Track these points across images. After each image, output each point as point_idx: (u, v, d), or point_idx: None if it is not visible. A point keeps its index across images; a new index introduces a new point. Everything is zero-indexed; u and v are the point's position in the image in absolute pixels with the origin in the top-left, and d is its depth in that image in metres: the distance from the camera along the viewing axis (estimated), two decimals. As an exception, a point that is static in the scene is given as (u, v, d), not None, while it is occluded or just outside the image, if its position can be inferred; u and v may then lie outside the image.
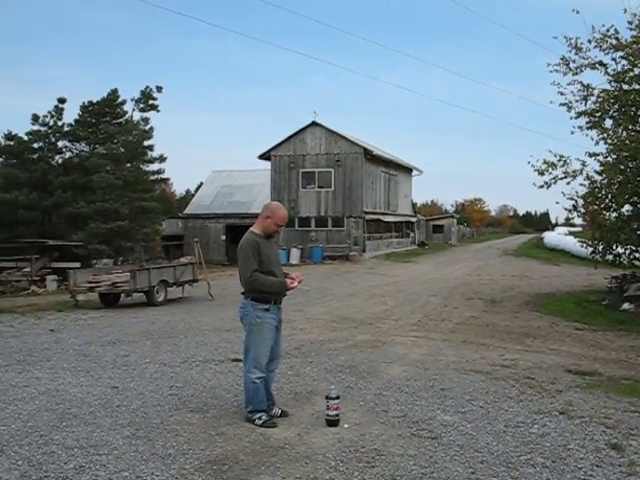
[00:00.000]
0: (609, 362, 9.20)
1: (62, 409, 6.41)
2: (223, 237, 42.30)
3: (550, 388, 7.29)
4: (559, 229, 68.63)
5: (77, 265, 24.78)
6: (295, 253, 37.02)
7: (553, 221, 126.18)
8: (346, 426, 5.78)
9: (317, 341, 10.64)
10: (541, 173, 16.64)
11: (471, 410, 6.34)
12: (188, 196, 66.52)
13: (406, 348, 10.08)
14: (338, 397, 5.82)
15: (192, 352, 9.72)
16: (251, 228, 6.13)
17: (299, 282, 6.10)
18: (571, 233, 50.71)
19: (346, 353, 9.58)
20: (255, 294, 5.95)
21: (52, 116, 33.41)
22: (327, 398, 5.82)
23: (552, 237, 52.97)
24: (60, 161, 34.22)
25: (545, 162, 16.49)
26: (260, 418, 5.83)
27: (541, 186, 16.97)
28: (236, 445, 5.30)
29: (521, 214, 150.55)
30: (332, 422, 5.78)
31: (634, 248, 16.21)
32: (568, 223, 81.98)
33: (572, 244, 37.72)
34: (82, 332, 12.18)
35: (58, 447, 5.24)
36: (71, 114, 34.66)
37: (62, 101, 33.57)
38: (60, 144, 34.22)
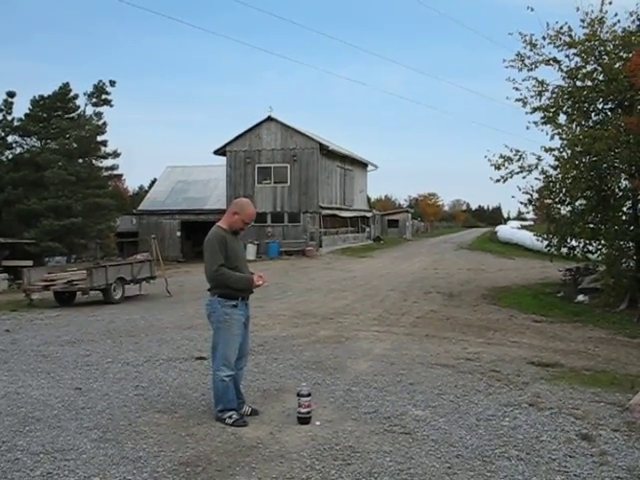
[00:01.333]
0: (569, 353, 9.36)
1: (24, 413, 6.20)
2: (178, 233, 41.86)
3: (516, 380, 7.37)
4: (512, 223, 69.73)
5: (29, 263, 24.23)
6: (251, 249, 36.77)
7: (505, 215, 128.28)
8: (318, 423, 5.73)
9: (280, 337, 10.58)
10: (497, 167, 16.86)
11: (442, 404, 6.36)
12: (142, 192, 65.59)
13: (370, 343, 10.09)
14: (309, 394, 5.77)
15: (155, 350, 9.55)
16: (218, 223, 6.02)
17: (263, 282, 6.02)
18: (523, 227, 51.70)
19: (310, 349, 9.54)
20: (222, 290, 5.84)
21: (1, 110, 32.59)
22: (298, 395, 5.76)
23: (505, 231, 53.74)
24: (10, 157, 33.38)
25: (502, 157, 16.70)
26: (231, 417, 5.74)
27: (497, 180, 17.23)
28: (208, 445, 5.20)
29: (474, 208, 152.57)
30: (304, 420, 5.73)
31: (587, 241, 16.50)
32: (520, 217, 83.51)
33: (526, 238, 38.44)
34: (39, 332, 11.86)
35: (23, 453, 5.06)
36: (21, 108, 33.98)
37: (11, 95, 32.77)
38: (10, 139, 33.42)
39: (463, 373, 7.80)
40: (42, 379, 7.73)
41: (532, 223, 56.36)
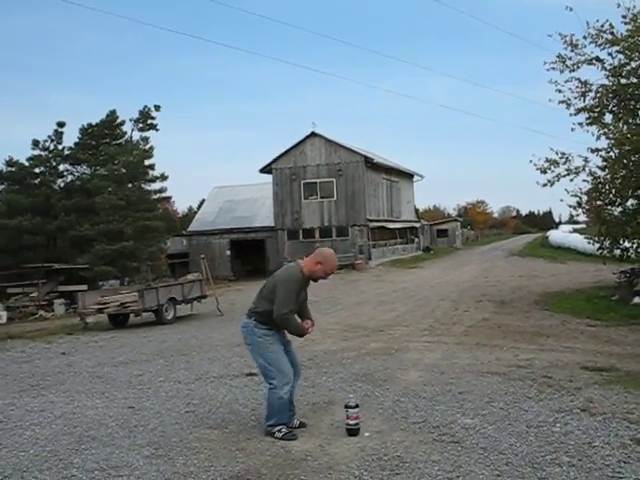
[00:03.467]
0: (625, 357, 9.13)
1: (80, 432, 6.37)
2: (228, 252, 42.32)
3: (569, 386, 7.23)
4: (563, 227, 68.55)
5: (84, 288, 24.79)
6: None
7: (556, 219, 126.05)
8: (367, 435, 5.73)
9: (330, 351, 10.59)
10: (543, 171, 16.61)
11: (491, 412, 6.29)
12: (191, 213, 66.60)
13: (420, 353, 10.04)
14: (357, 406, 5.78)
15: (206, 368, 9.69)
16: (301, 264, 6.06)
17: (311, 330, 6.15)
18: (575, 230, 50.68)
19: (360, 361, 9.53)
20: (261, 318, 5.95)
21: (52, 140, 33.61)
22: (346, 407, 5.77)
23: (557, 235, 52.85)
24: (62, 185, 34.41)
25: (547, 160, 16.46)
26: (280, 431, 5.78)
27: (544, 184, 16.93)
28: (257, 459, 5.25)
29: (524, 214, 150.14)
30: (352, 431, 5.73)
31: (641, 242, 16.15)
32: (572, 220, 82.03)
33: (578, 241, 37.71)
34: (94, 354, 12.16)
35: (78, 470, 5.20)
36: (71, 137, 34.87)
37: (61, 125, 33.75)
38: (61, 168, 34.44)
39: (514, 380, 7.69)
40: (97, 399, 7.92)
41: (584, 226, 55.29)
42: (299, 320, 6.06)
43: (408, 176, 50.25)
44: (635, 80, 15.59)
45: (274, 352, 5.90)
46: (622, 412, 6.07)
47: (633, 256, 16.65)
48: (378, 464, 4.97)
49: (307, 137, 39.96)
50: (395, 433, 5.76)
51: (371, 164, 39.95)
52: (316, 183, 39.76)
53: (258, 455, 5.36)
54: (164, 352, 11.72)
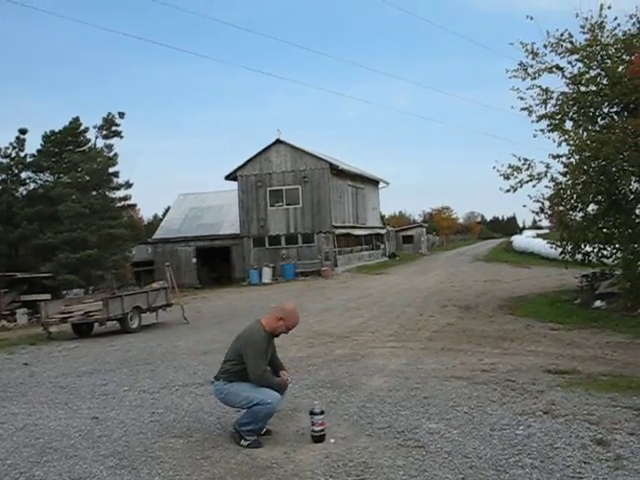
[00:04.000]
0: (586, 360, 9.29)
1: (42, 443, 6.27)
2: (194, 260, 42.05)
3: (532, 389, 7.33)
4: (527, 232, 69.38)
5: (47, 297, 24.37)
6: (267, 272, 36.92)
7: (520, 225, 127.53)
8: (332, 441, 5.74)
9: (296, 358, 10.57)
10: (507, 177, 16.81)
11: (456, 416, 6.35)
12: (156, 221, 66.06)
13: (385, 359, 10.09)
14: (322, 412, 5.79)
15: (171, 377, 9.61)
16: (262, 321, 6.08)
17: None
18: (539, 235, 51.36)
19: (326, 368, 9.55)
20: (229, 377, 5.97)
21: (14, 147, 33.19)
22: (311, 414, 5.77)
23: (521, 241, 53.54)
24: (24, 192, 33.94)
25: (510, 166, 16.65)
26: (246, 439, 5.76)
27: (507, 190, 17.14)
28: (222, 468, 5.22)
29: (489, 220, 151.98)
30: (318, 438, 5.74)
31: (602, 246, 16.40)
32: (535, 226, 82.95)
33: (541, 246, 38.16)
34: (57, 364, 11.97)
35: (41, 483, 5.12)
36: (33, 144, 34.48)
37: (23, 132, 33.34)
38: (24, 175, 34.01)
39: (478, 384, 7.77)
40: (60, 410, 7.81)
41: (547, 231, 56.04)
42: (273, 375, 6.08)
43: (374, 182, 50.48)
44: (594, 88, 15.88)
45: (247, 386, 5.86)
46: (583, 414, 6.18)
47: (594, 260, 16.89)
48: (344, 470, 4.98)
49: (272, 144, 39.93)
50: (360, 439, 5.78)
51: (337, 171, 40.07)
52: (282, 190, 39.74)
53: (223, 463, 5.33)
54: (129, 361, 11.60)
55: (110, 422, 6.98)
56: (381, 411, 6.71)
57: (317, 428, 5.74)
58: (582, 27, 15.86)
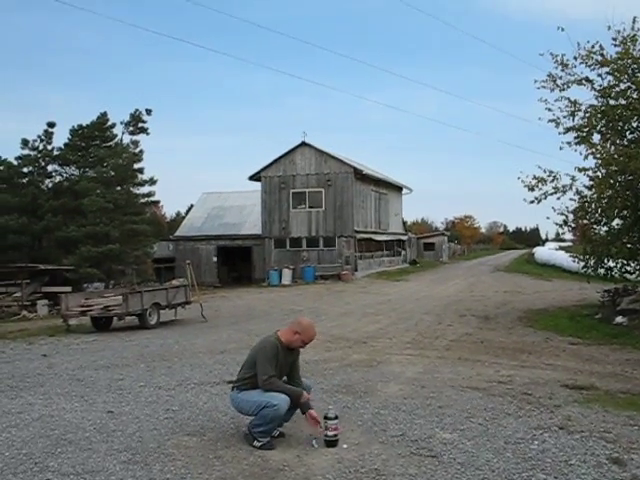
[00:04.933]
0: (605, 376, 9.18)
1: (57, 435, 6.33)
2: (214, 259, 42.24)
3: (548, 403, 7.26)
4: (549, 244, 68.93)
5: (68, 289, 24.61)
6: (287, 273, 36.98)
7: (543, 236, 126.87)
8: (345, 446, 5.73)
9: (312, 361, 10.56)
10: (531, 189, 16.71)
11: (470, 427, 6.30)
12: (179, 218, 66.51)
13: (401, 366, 10.05)
14: (336, 417, 5.78)
15: (187, 375, 9.65)
16: (278, 332, 6.15)
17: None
18: (561, 248, 50.95)
19: (342, 373, 9.54)
20: (243, 386, 6.02)
21: (42, 140, 33.49)
22: (325, 418, 5.76)
23: (543, 252, 53.12)
24: (50, 185, 34.27)
25: (535, 178, 16.56)
26: (259, 440, 5.77)
27: (531, 202, 17.03)
28: (234, 468, 5.23)
29: (511, 230, 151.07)
30: (331, 443, 5.73)
31: (625, 261, 16.25)
32: (558, 238, 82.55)
33: (563, 259, 37.87)
34: (75, 357, 12.08)
35: (54, 474, 5.16)
36: (61, 138, 34.76)
37: (51, 125, 33.67)
38: (50, 168, 34.31)
39: (494, 396, 7.71)
40: (76, 402, 7.88)
41: (570, 244, 55.62)
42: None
43: (397, 188, 50.37)
44: (623, 102, 15.74)
45: (257, 392, 5.88)
46: (599, 431, 6.10)
47: (617, 276, 16.75)
48: (355, 476, 4.96)
49: (297, 146, 39.98)
50: (373, 446, 5.76)
51: (360, 175, 40.01)
52: (305, 192, 39.77)
53: (235, 464, 5.34)
54: (146, 357, 11.67)
55: (125, 417, 7.03)
56: (395, 419, 6.68)
57: (330, 433, 5.73)
58: (614, 39, 15.76)
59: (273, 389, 5.82)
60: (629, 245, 16.05)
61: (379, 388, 8.36)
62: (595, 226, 17.01)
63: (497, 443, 5.76)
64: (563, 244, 60.01)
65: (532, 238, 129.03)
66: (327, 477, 4.95)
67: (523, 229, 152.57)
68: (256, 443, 5.76)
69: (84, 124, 34.27)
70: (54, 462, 5.47)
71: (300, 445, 5.83)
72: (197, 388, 8.62)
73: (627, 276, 16.63)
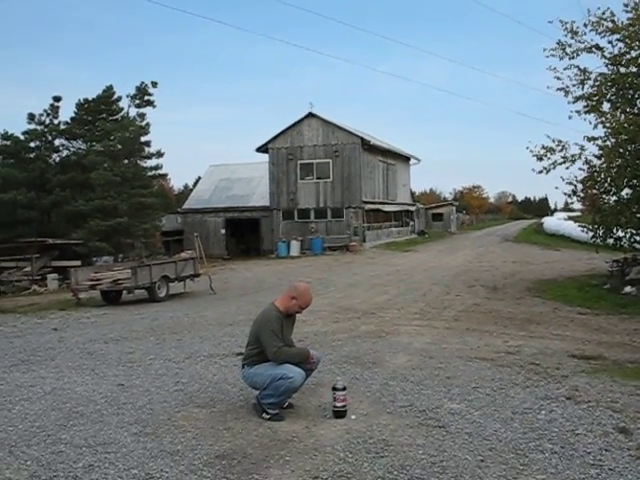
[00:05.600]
0: (613, 346, 9.19)
1: (68, 408, 6.41)
2: (223, 231, 42.31)
3: (556, 374, 7.28)
4: (558, 214, 68.66)
5: (78, 263, 24.80)
6: (295, 245, 37.03)
7: (552, 206, 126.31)
8: (353, 417, 5.77)
9: (320, 332, 10.63)
10: (540, 158, 16.59)
11: (477, 398, 6.34)
12: (186, 191, 66.55)
13: (410, 337, 10.08)
14: (345, 388, 5.81)
15: (196, 347, 9.72)
16: (275, 302, 6.17)
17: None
18: (570, 218, 50.72)
19: (350, 344, 9.57)
20: (252, 361, 6.04)
21: (48, 115, 33.37)
22: (334, 389, 5.81)
23: (552, 222, 52.92)
24: (57, 159, 34.20)
25: (544, 147, 16.44)
26: (268, 413, 5.82)
27: (540, 171, 16.93)
28: (244, 439, 5.29)
29: (520, 200, 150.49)
30: (339, 413, 5.77)
31: (634, 231, 16.17)
32: (567, 208, 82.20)
33: (572, 229, 37.71)
34: (85, 330, 12.19)
35: (66, 446, 5.24)
36: (67, 112, 34.80)
37: (57, 99, 33.52)
38: (57, 142, 34.21)
39: (502, 366, 7.74)
40: (86, 376, 7.97)
41: (579, 214, 55.37)
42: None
43: (405, 159, 50.14)
44: (634, 69, 15.53)
45: (270, 365, 5.89)
46: (606, 401, 6.12)
47: (626, 245, 16.67)
48: (363, 447, 5.01)
49: (304, 117, 39.78)
50: (381, 416, 5.81)
51: (368, 146, 39.83)
52: (312, 164, 39.66)
53: (245, 435, 5.40)
54: (155, 330, 11.75)
55: (135, 389, 7.11)
56: (403, 389, 6.73)
57: (339, 404, 5.77)
58: (625, 5, 15.49)
59: (285, 359, 5.85)
60: (638, 215, 15.94)
61: (387, 359, 8.39)
62: (604, 196, 16.91)
63: (504, 413, 5.79)
64: (572, 214, 59.74)
65: (541, 208, 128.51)
66: (336, 448, 5.00)
67: (532, 199, 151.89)
68: (265, 415, 5.81)
69: (90, 98, 34.14)
70: (66, 434, 5.56)
71: (309, 416, 5.89)
72: (206, 360, 8.68)
73: (636, 246, 16.55)
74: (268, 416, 5.80)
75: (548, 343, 9.39)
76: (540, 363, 7.87)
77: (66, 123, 33.94)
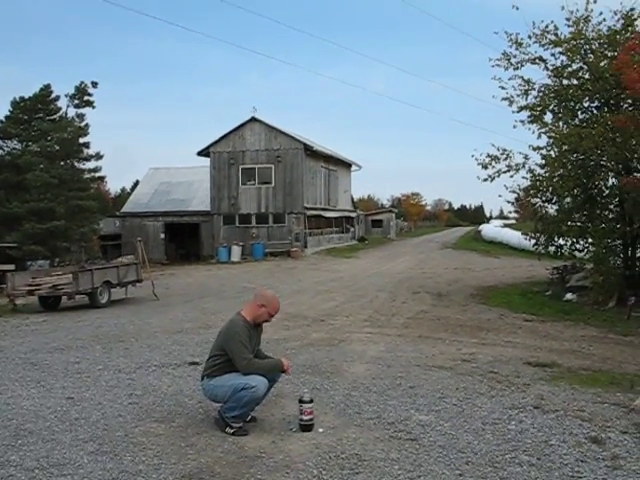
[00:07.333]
0: (564, 353, 9.33)
1: (15, 425, 5.97)
2: (162, 235, 41.50)
3: (517, 382, 7.29)
4: (494, 222, 70.12)
5: (11, 267, 23.80)
6: (236, 250, 36.62)
7: (487, 214, 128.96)
8: (321, 430, 5.60)
9: (272, 340, 10.38)
10: (485, 167, 16.90)
11: (445, 408, 6.25)
12: (124, 194, 65.21)
13: (363, 345, 10.00)
14: (312, 400, 5.62)
15: (146, 356, 9.36)
16: (242, 312, 5.93)
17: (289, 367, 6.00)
18: (506, 225, 51.90)
19: (304, 352, 9.41)
20: (213, 373, 5.78)
21: (-20, 113, 32.08)
22: (300, 402, 5.61)
23: (490, 230, 53.94)
24: (-9, 159, 32.88)
25: (489, 156, 16.74)
26: (231, 426, 5.59)
27: (485, 179, 17.27)
28: (209, 457, 5.03)
29: (456, 208, 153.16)
30: (306, 427, 5.59)
31: (575, 240, 16.53)
32: (502, 216, 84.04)
33: (510, 236, 38.55)
34: (26, 339, 11.59)
35: (17, 469, 4.83)
36: (1, 110, 33.36)
37: (-10, 97, 32.32)
38: (-10, 142, 32.89)
39: (462, 375, 7.70)
40: (32, 388, 7.51)
41: (514, 222, 56.67)
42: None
43: (346, 165, 50.29)
44: (575, 82, 15.93)
45: (232, 375, 5.65)
46: (573, 409, 6.13)
47: (567, 253, 17.03)
48: (336, 462, 4.83)
49: (247, 122, 39.44)
50: (350, 429, 5.65)
51: (310, 152, 39.74)
52: (254, 169, 39.33)
53: (210, 452, 5.14)
54: (101, 338, 11.29)
55: (86, 403, 6.73)
56: (368, 400, 6.58)
57: (306, 417, 5.58)
58: (567, 20, 15.90)
59: (255, 371, 5.63)
60: (579, 224, 16.34)
61: (345, 368, 8.26)
62: (546, 204, 17.26)
63: (475, 424, 5.71)
64: (507, 222, 61.12)
65: (476, 216, 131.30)
66: (307, 464, 4.80)
67: (468, 207, 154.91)
68: (228, 430, 5.57)
69: (26, 96, 32.98)
70: (15, 455, 5.13)
71: (274, 430, 5.68)
72: (158, 370, 8.36)
73: (576, 254, 16.92)
74: (232, 430, 5.56)
75: (501, 350, 9.46)
76: (498, 371, 7.89)
77: (0, 122, 32.71)
